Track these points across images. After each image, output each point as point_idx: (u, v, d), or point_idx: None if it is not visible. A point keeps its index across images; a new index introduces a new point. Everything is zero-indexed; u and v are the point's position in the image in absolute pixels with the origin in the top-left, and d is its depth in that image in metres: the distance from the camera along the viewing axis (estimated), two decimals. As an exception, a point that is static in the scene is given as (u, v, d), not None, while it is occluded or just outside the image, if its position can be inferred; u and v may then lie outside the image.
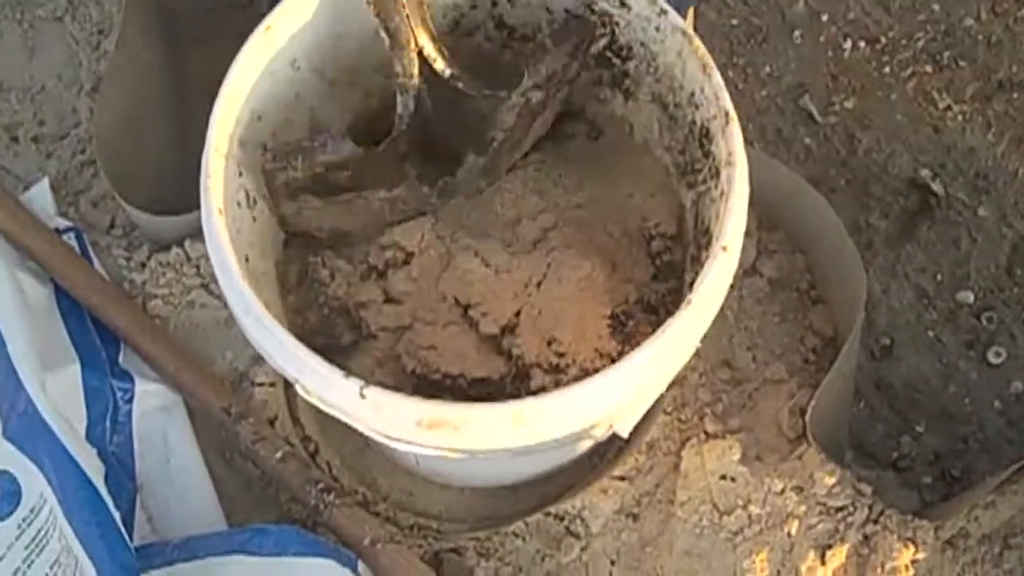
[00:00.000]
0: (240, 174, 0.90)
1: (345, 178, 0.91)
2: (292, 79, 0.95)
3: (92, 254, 1.18)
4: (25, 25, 1.41)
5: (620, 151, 1.03)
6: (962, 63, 1.46)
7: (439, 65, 0.91)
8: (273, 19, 0.90)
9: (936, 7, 1.49)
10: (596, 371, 0.79)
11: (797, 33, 1.48)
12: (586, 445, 1.05)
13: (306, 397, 0.81)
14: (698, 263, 0.91)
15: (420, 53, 0.90)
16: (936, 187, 1.38)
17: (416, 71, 0.90)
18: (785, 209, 1.17)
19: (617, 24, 0.94)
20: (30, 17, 1.41)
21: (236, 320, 0.83)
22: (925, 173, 1.39)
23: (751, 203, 1.17)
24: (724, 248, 0.82)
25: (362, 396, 0.76)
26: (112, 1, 1.40)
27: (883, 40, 1.47)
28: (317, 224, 0.96)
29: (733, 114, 0.87)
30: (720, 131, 0.87)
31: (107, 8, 1.41)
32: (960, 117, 1.42)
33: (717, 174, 0.88)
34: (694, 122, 0.92)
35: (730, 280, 0.83)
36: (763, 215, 1.19)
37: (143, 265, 1.18)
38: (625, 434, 0.84)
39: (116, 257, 1.18)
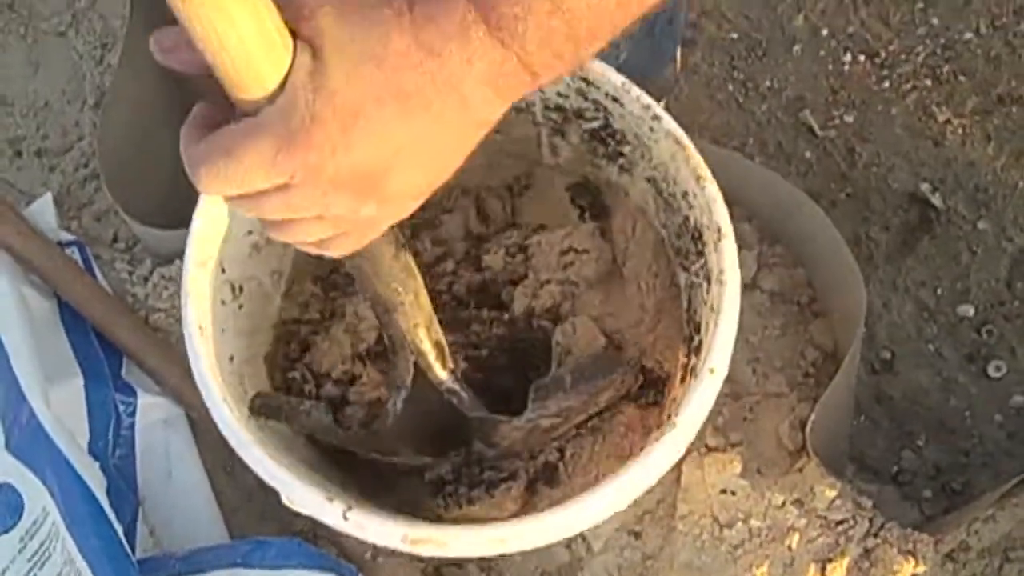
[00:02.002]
0: (223, 270, 0.91)
1: (332, 439, 0.93)
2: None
3: (95, 268, 1.18)
4: (29, 40, 1.42)
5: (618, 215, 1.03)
6: (962, 77, 1.46)
7: (437, 375, 0.88)
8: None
9: (936, 21, 1.49)
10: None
11: (797, 47, 1.49)
12: None
13: (290, 506, 0.83)
14: (686, 356, 0.92)
15: (416, 363, 0.87)
16: (936, 201, 1.38)
17: (410, 376, 0.87)
18: (785, 223, 1.18)
19: (611, 114, 0.93)
20: (34, 32, 1.42)
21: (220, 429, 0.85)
22: (925, 187, 1.39)
23: (751, 217, 1.19)
24: (711, 371, 0.82)
25: (345, 518, 0.79)
26: (116, 15, 1.41)
27: (883, 54, 1.48)
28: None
29: (727, 230, 0.85)
30: (713, 244, 0.86)
31: (111, 23, 1.42)
32: (960, 131, 1.43)
33: (709, 279, 0.87)
34: (687, 218, 0.91)
35: (714, 398, 0.82)
36: (763, 229, 1.19)
37: (146, 279, 1.18)
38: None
39: (119, 271, 1.19)
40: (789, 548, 1.06)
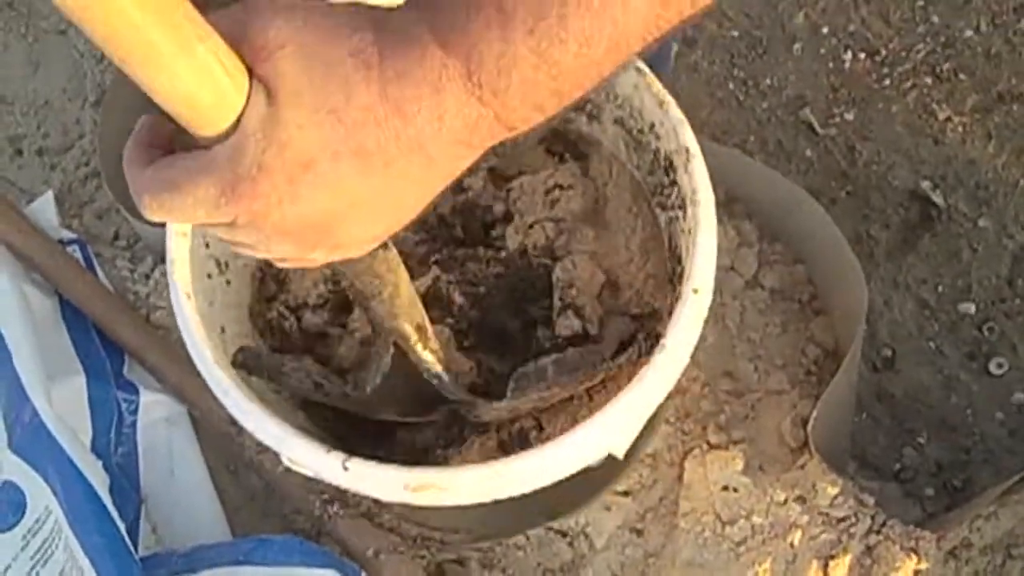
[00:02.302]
0: (207, 246, 0.89)
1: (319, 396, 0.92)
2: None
3: (96, 266, 1.18)
4: (30, 38, 1.42)
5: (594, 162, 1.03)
6: (962, 75, 1.46)
7: (417, 356, 0.86)
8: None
9: (936, 19, 1.50)
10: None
11: (797, 45, 1.49)
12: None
13: (291, 467, 0.81)
14: (674, 293, 0.91)
15: (397, 344, 0.86)
16: (937, 198, 1.38)
17: (389, 355, 0.86)
18: (786, 221, 1.18)
19: None
20: (35, 30, 1.42)
21: (217, 397, 0.84)
22: (926, 184, 1.39)
23: (752, 214, 1.19)
24: (695, 291, 0.81)
25: (345, 468, 0.77)
26: (116, 14, 1.41)
27: (883, 52, 1.48)
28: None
29: (695, 150, 0.85)
30: (683, 167, 0.86)
31: (111, 21, 1.42)
32: (960, 128, 1.43)
33: (683, 208, 0.87)
34: (658, 150, 0.91)
35: (703, 320, 0.81)
36: (764, 227, 1.20)
37: (147, 277, 1.18)
38: (621, 455, 0.83)
39: (120, 269, 1.19)
40: (791, 545, 1.06)
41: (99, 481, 1.00)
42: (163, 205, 0.58)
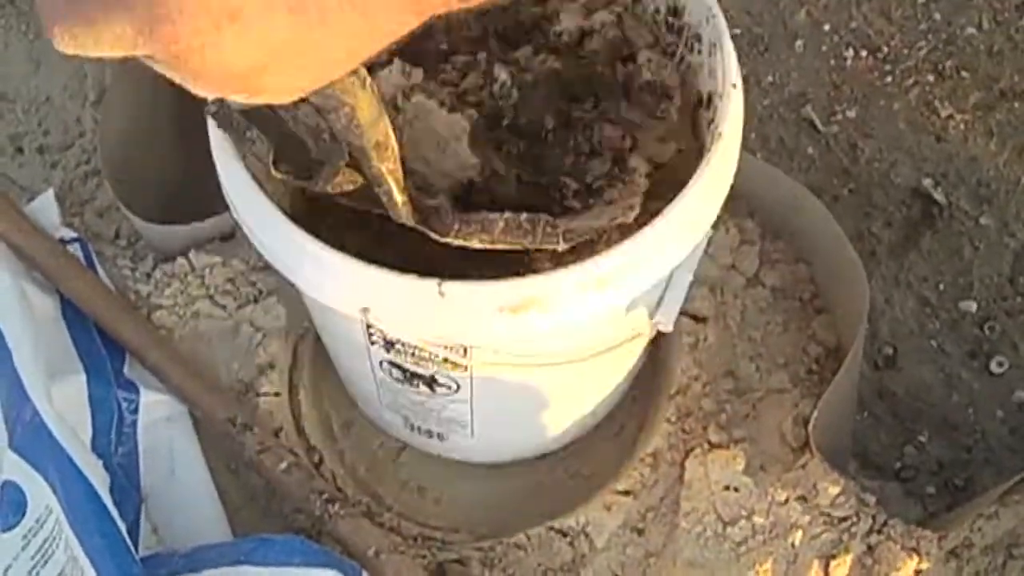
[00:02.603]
0: None
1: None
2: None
3: (97, 264, 1.18)
4: (31, 36, 1.42)
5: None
6: (964, 72, 1.46)
7: (372, 170, 0.79)
8: None
9: (938, 16, 1.49)
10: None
11: (799, 42, 1.49)
12: (636, 351, 1.04)
13: (377, 324, 0.78)
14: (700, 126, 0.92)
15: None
16: (938, 196, 1.38)
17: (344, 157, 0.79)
18: (787, 219, 1.18)
19: None
20: (36, 28, 1.42)
21: (294, 280, 0.80)
22: (927, 182, 1.39)
23: (753, 212, 1.18)
24: (734, 85, 0.84)
25: (441, 294, 0.74)
26: (117, 12, 1.41)
27: (885, 49, 1.48)
28: None
29: None
30: None
31: (112, 19, 1.41)
32: (962, 126, 1.43)
33: (698, 39, 0.89)
34: (658, 10, 0.93)
35: (742, 119, 0.84)
36: (765, 224, 1.19)
37: (148, 276, 1.18)
38: (669, 328, 0.85)
39: (121, 268, 1.19)
40: (792, 545, 1.06)
41: (99, 481, 1.00)
42: (75, 38, 0.53)
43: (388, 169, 0.78)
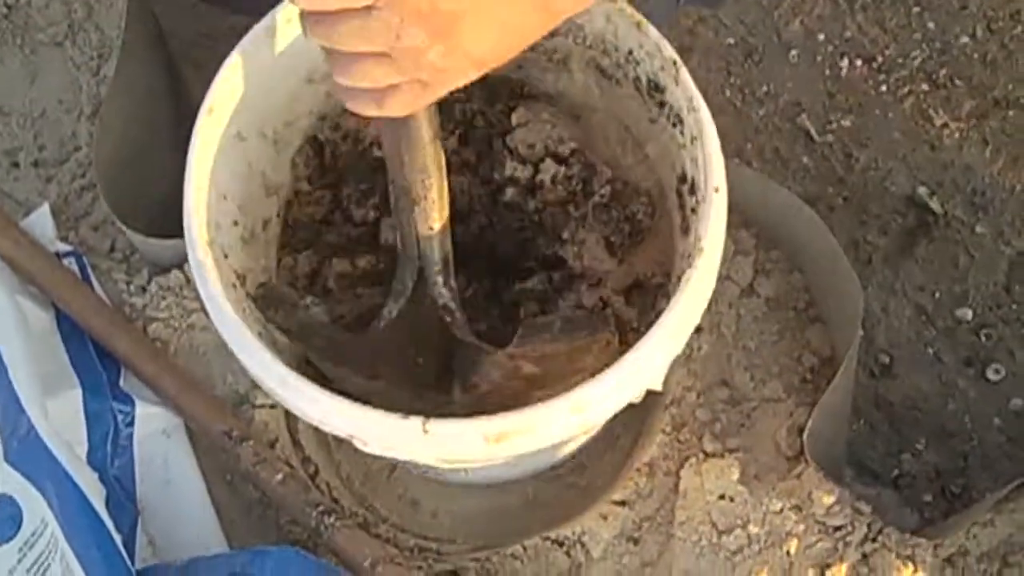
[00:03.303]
0: (224, 198, 0.90)
1: (321, 343, 0.91)
2: (241, 149, 0.95)
3: (92, 278, 1.18)
4: (26, 50, 1.42)
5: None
6: (958, 81, 1.46)
7: (438, 290, 0.89)
8: (213, 99, 0.89)
9: (932, 25, 1.50)
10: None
11: (793, 52, 1.49)
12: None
13: (364, 449, 0.80)
14: (681, 211, 0.93)
15: (422, 271, 0.89)
16: (934, 204, 1.38)
17: (412, 282, 0.89)
18: (782, 228, 1.18)
19: None
20: (31, 42, 1.42)
21: (272, 393, 0.83)
22: (923, 191, 1.39)
23: (748, 223, 1.19)
24: (716, 189, 0.83)
25: (425, 432, 0.77)
26: (112, 26, 1.41)
27: (879, 58, 1.48)
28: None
29: (680, 61, 0.88)
30: (672, 80, 0.88)
31: (107, 33, 1.42)
32: (957, 135, 1.43)
33: (680, 121, 0.89)
34: (639, 78, 0.92)
35: (725, 218, 0.85)
36: (760, 234, 1.19)
37: (143, 289, 1.18)
38: (659, 387, 0.86)
39: (116, 281, 1.19)
40: (788, 554, 1.06)
41: (95, 493, 1.00)
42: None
43: (451, 287, 0.89)
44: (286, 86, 0.96)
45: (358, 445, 0.80)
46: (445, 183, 0.84)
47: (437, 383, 0.93)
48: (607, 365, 0.82)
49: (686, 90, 0.87)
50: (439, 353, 0.92)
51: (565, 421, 0.78)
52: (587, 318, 0.91)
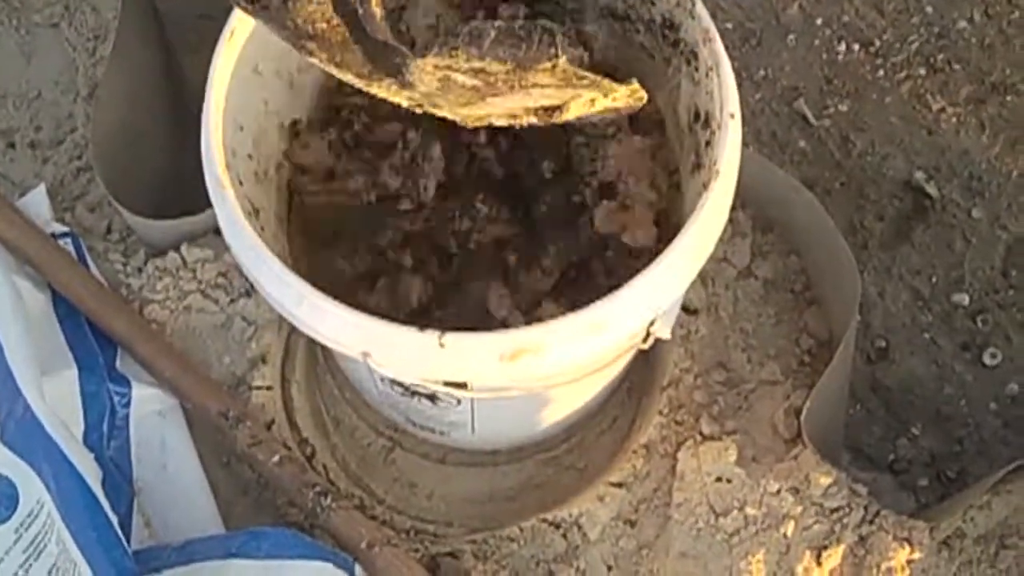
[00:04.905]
0: (240, 183, 0.89)
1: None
2: (259, 84, 0.93)
3: (89, 259, 1.18)
4: (22, 31, 1.41)
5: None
6: (956, 66, 1.46)
7: None
8: (234, 24, 0.88)
9: (929, 10, 1.49)
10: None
11: (791, 36, 1.49)
12: (630, 355, 1.05)
13: (379, 370, 0.79)
14: (695, 144, 0.93)
15: None
16: (930, 189, 1.38)
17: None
18: (780, 211, 1.18)
19: None
20: (26, 23, 1.42)
21: (287, 315, 0.81)
22: (919, 175, 1.39)
23: (746, 205, 1.19)
24: (731, 115, 0.85)
25: (441, 345, 0.76)
26: (108, 7, 1.41)
27: (877, 43, 1.48)
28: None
29: None
30: (688, 15, 0.89)
31: (103, 14, 1.41)
32: (954, 119, 1.43)
33: (695, 56, 0.89)
34: (652, 20, 0.92)
35: (739, 149, 0.85)
36: (757, 217, 1.20)
37: (140, 270, 1.18)
38: (667, 335, 0.86)
39: (113, 262, 1.18)
40: (784, 536, 1.06)
41: (92, 475, 1.00)
42: None
43: None
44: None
45: (372, 365, 0.79)
46: None
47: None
48: (569, 88, 0.81)
49: (702, 22, 0.88)
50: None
51: (581, 340, 0.78)
52: (526, 31, 0.78)
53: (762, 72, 1.47)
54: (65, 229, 1.20)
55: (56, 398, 1.04)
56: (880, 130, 1.42)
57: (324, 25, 0.78)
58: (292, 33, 0.78)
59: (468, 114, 0.85)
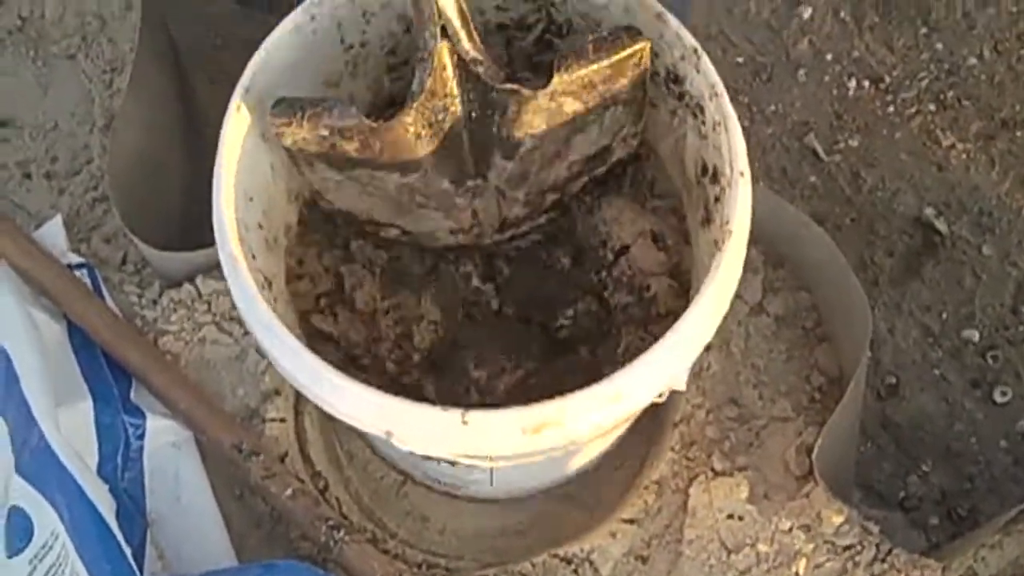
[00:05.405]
0: (253, 256, 0.89)
1: (354, 149, 0.88)
2: (265, 150, 0.94)
3: (104, 290, 1.19)
4: (39, 63, 1.42)
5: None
6: (966, 102, 1.47)
7: (463, 45, 0.84)
8: (237, 100, 0.88)
9: (939, 46, 1.50)
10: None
11: (802, 72, 1.50)
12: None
13: (400, 447, 0.79)
14: (704, 197, 0.93)
15: (444, 30, 0.83)
16: (941, 225, 1.39)
17: (436, 46, 0.84)
18: (791, 247, 1.18)
19: (553, 3, 0.93)
20: (44, 55, 1.43)
21: (303, 390, 0.82)
22: (930, 211, 1.40)
23: (757, 241, 1.19)
24: (741, 173, 0.84)
25: (464, 423, 0.76)
26: (124, 39, 1.42)
27: (887, 79, 1.49)
28: (339, 202, 0.94)
29: (700, 49, 0.88)
30: (693, 68, 0.88)
31: (120, 46, 1.42)
32: (964, 155, 1.43)
33: (701, 110, 0.89)
34: (657, 72, 0.92)
35: (750, 207, 0.85)
36: (769, 253, 1.20)
37: (155, 302, 1.18)
38: (683, 387, 0.86)
39: (128, 293, 1.19)
40: (796, 573, 1.06)
41: (106, 506, 1.00)
42: None
43: (475, 42, 0.85)
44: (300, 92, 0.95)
45: (395, 443, 0.79)
46: None
47: (475, 162, 0.92)
48: (639, 87, 0.87)
49: (708, 77, 0.87)
50: (481, 124, 0.90)
51: (602, 410, 0.78)
52: (615, 34, 0.88)
53: (773, 107, 1.48)
54: (81, 260, 1.20)
55: (71, 429, 1.04)
56: (890, 166, 1.43)
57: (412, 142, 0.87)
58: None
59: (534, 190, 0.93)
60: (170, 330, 1.16)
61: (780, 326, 1.19)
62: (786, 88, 1.49)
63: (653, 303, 0.97)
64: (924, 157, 1.44)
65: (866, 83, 1.49)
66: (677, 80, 0.91)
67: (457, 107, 0.87)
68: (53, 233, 1.23)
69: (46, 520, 0.99)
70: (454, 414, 0.76)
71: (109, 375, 1.12)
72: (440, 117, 0.87)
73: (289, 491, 1.06)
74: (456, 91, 0.86)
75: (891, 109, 1.47)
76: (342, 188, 0.92)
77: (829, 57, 1.50)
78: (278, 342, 0.81)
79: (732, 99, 1.44)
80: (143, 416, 1.11)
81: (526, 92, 0.87)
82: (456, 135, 0.89)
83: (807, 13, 1.53)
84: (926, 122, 1.46)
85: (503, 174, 0.94)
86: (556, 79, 0.86)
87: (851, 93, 1.48)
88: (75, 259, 1.21)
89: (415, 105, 0.86)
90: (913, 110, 1.47)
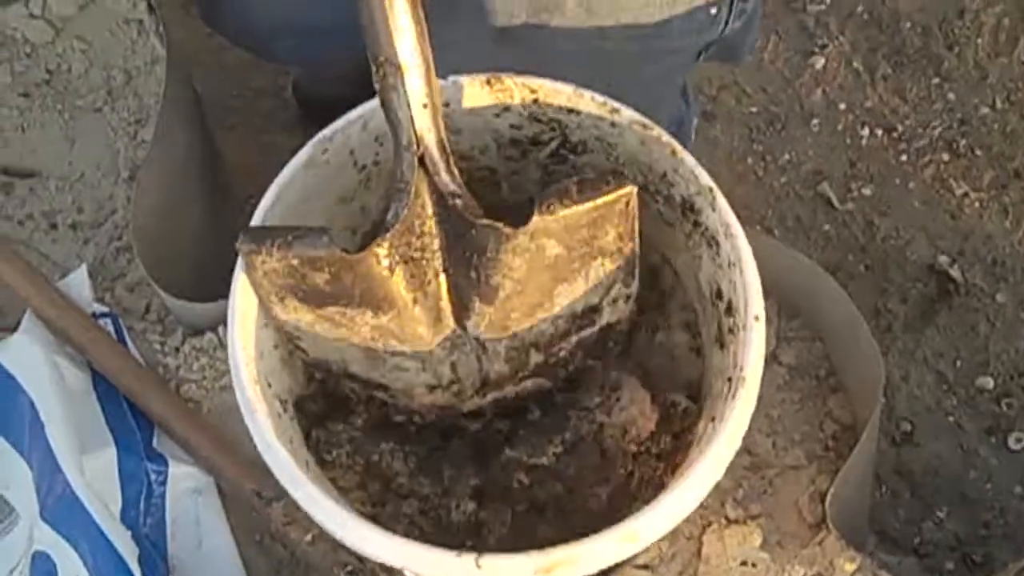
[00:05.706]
0: (269, 385, 0.89)
1: (324, 281, 0.84)
2: None
3: (128, 339, 1.20)
4: (66, 115, 1.45)
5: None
6: (978, 151, 1.48)
7: (442, 177, 0.82)
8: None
9: (952, 96, 1.52)
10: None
11: (815, 121, 1.51)
12: None
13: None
14: (718, 318, 0.92)
15: (422, 160, 0.82)
16: (954, 273, 1.40)
17: (414, 178, 0.81)
18: (803, 297, 1.19)
19: (567, 127, 0.92)
20: (70, 108, 1.46)
21: (326, 529, 0.82)
22: (943, 259, 1.41)
23: (769, 293, 1.20)
24: (756, 317, 0.83)
25: (478, 567, 0.76)
26: (149, 93, 1.44)
27: (900, 128, 1.50)
28: (313, 351, 0.92)
29: (716, 187, 0.86)
30: (709, 206, 0.87)
31: (145, 100, 1.45)
32: (977, 204, 1.45)
33: (716, 244, 0.88)
34: (672, 198, 0.91)
35: (763, 353, 0.83)
36: (782, 303, 1.21)
37: (177, 350, 1.20)
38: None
39: (151, 342, 1.21)
40: (810, 621, 1.06)
41: (128, 552, 1.02)
42: None
43: (453, 174, 0.83)
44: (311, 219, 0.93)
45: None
46: (430, 57, 0.79)
47: (453, 307, 0.89)
48: (627, 241, 0.85)
49: (723, 216, 0.85)
50: (459, 263, 0.87)
51: (615, 550, 0.78)
52: (601, 176, 0.85)
53: (787, 156, 1.49)
54: (105, 309, 1.22)
55: (95, 476, 1.06)
56: (904, 214, 1.44)
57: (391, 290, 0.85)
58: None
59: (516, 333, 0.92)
60: (192, 378, 1.18)
61: (793, 376, 1.19)
62: (800, 137, 1.51)
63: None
64: (937, 205, 1.45)
65: (879, 132, 1.51)
66: (693, 209, 0.89)
67: (435, 245, 0.85)
68: (78, 283, 1.25)
69: (70, 566, 1.00)
70: (468, 559, 0.76)
71: (132, 422, 1.14)
72: (416, 255, 0.85)
73: (309, 537, 1.07)
74: (434, 229, 0.84)
75: (904, 158, 1.49)
76: (315, 330, 0.89)
77: (842, 106, 1.52)
78: (298, 488, 0.81)
79: (746, 148, 1.49)
80: (165, 463, 1.12)
81: (506, 230, 0.83)
82: (433, 275, 0.87)
83: (820, 63, 1.55)
84: (939, 171, 1.47)
85: (482, 321, 0.90)
86: (537, 218, 0.82)
87: (864, 142, 1.50)
88: (99, 308, 1.23)
89: (389, 236, 0.83)
90: (926, 159, 1.48)
